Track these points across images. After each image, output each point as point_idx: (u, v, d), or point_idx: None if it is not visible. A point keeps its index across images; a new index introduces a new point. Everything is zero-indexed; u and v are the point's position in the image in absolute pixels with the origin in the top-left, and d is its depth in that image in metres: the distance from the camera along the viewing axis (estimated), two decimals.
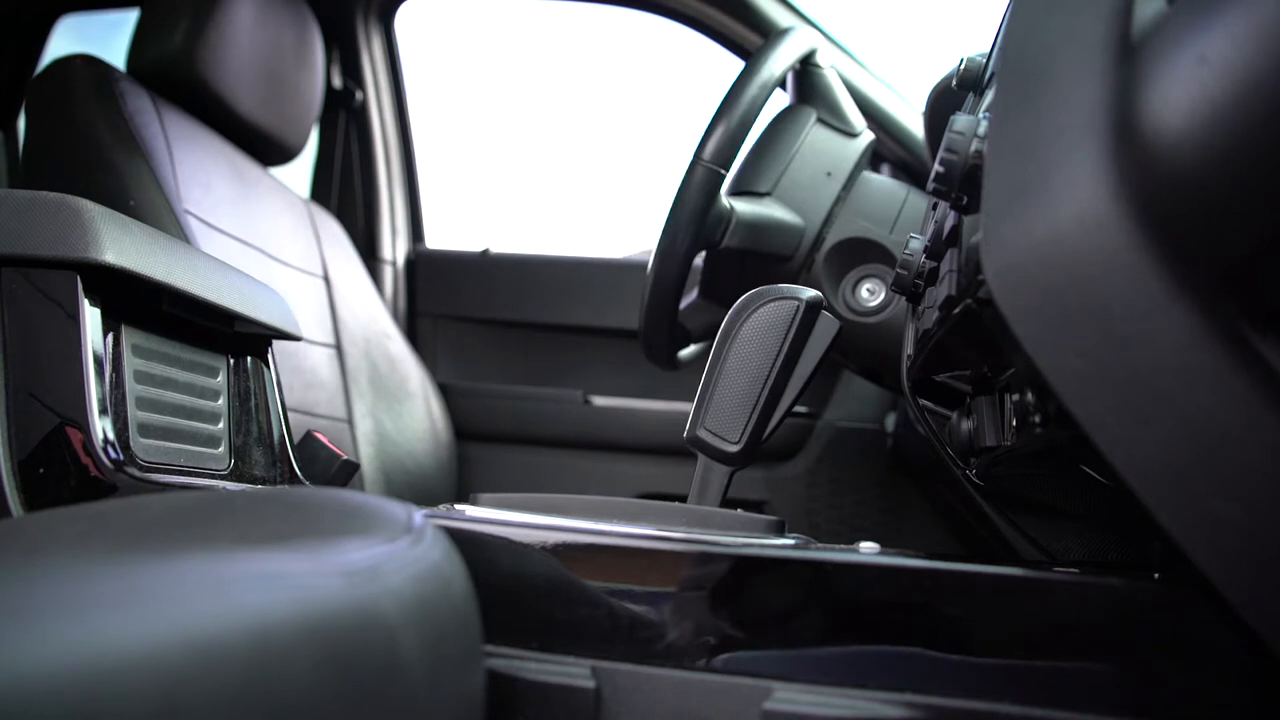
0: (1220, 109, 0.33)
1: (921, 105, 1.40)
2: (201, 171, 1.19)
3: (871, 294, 1.05)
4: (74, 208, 0.67)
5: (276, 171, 1.43)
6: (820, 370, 0.64)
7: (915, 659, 0.48)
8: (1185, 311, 0.35)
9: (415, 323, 1.72)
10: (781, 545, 0.53)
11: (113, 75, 1.13)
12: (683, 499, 0.64)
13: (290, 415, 0.99)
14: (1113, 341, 0.36)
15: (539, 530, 0.54)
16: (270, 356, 0.90)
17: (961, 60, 0.61)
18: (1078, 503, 0.63)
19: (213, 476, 0.78)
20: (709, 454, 0.64)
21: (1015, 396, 0.51)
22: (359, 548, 0.41)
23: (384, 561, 0.41)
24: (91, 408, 0.65)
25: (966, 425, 0.59)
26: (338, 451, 0.91)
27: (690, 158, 0.96)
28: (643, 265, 1.58)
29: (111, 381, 0.69)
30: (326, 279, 1.42)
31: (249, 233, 1.25)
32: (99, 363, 0.67)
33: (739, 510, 0.63)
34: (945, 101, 1.01)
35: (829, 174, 1.06)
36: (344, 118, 1.70)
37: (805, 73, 1.11)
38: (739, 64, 1.52)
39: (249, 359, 0.87)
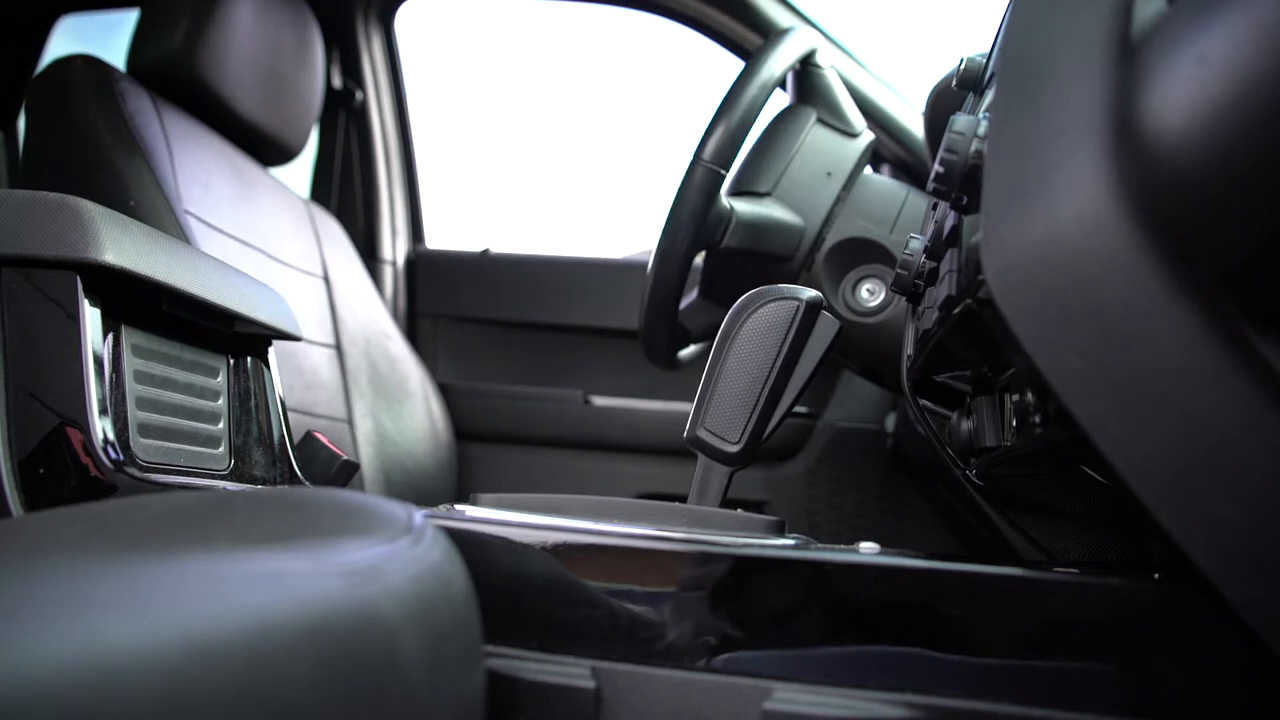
0: (1220, 109, 0.33)
1: (921, 105, 1.40)
2: (201, 171, 1.19)
3: (871, 294, 1.05)
4: (74, 208, 0.67)
5: (276, 171, 1.43)
6: (820, 370, 0.65)
7: (915, 659, 0.48)
8: (1185, 311, 0.35)
9: (415, 323, 1.72)
10: (781, 545, 0.53)
11: (113, 75, 1.13)
12: (683, 499, 0.64)
13: (290, 415, 0.99)
14: (1113, 341, 0.36)
15: (539, 530, 0.54)
16: (270, 356, 0.90)
17: (961, 60, 0.61)
18: (1078, 503, 0.63)
19: (213, 476, 0.78)
20: (709, 454, 0.64)
21: (1015, 396, 0.51)
22: (359, 548, 0.41)
23: (384, 561, 0.41)
24: (91, 408, 0.65)
25: (966, 425, 0.59)
26: (338, 451, 0.91)
27: (690, 158, 0.96)
28: (643, 265, 1.58)
29: (111, 381, 0.69)
30: (326, 279, 1.42)
31: (249, 233, 1.25)
32: (99, 363, 0.67)
33: (739, 510, 0.63)
34: (945, 101, 1.01)
35: (829, 174, 1.06)
36: (344, 118, 1.70)
37: (805, 73, 1.11)
38: (739, 64, 1.52)
39: (249, 359, 0.87)
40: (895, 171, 1.50)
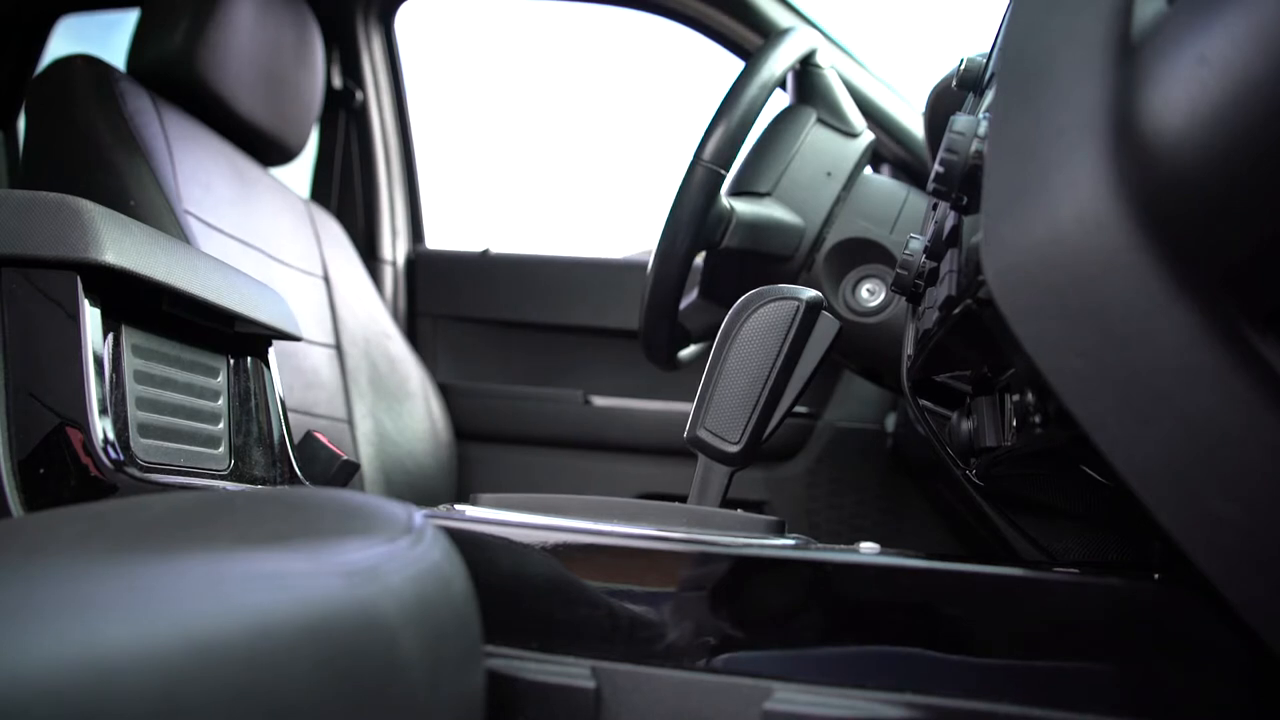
0: (1220, 109, 0.33)
1: (921, 105, 1.40)
2: (201, 172, 1.19)
3: (871, 294, 1.05)
4: (74, 208, 0.67)
5: (276, 171, 1.43)
6: (820, 370, 0.65)
7: (915, 659, 0.48)
8: (1185, 311, 0.35)
9: (415, 323, 1.72)
10: (781, 545, 0.53)
11: (113, 75, 1.13)
12: (683, 499, 0.64)
13: (290, 415, 0.99)
14: (1113, 341, 0.36)
15: (539, 530, 0.54)
16: (270, 356, 0.90)
17: (961, 60, 0.61)
18: (1078, 503, 0.63)
19: (213, 477, 0.78)
20: (709, 454, 0.64)
21: (1015, 396, 0.51)
22: (359, 548, 0.41)
23: (384, 562, 0.41)
24: (91, 408, 0.65)
25: (966, 425, 0.59)
26: (338, 451, 0.91)
27: (690, 158, 0.96)
28: (643, 265, 1.58)
29: (111, 381, 0.69)
30: (326, 279, 1.42)
31: (249, 233, 1.25)
32: (99, 363, 0.67)
33: (739, 510, 0.63)
34: (945, 101, 1.01)
35: (829, 174, 1.06)
36: (344, 118, 1.70)
37: (805, 73, 1.11)
38: (739, 64, 1.52)
39: (249, 359, 0.87)
40: (895, 171, 1.50)
